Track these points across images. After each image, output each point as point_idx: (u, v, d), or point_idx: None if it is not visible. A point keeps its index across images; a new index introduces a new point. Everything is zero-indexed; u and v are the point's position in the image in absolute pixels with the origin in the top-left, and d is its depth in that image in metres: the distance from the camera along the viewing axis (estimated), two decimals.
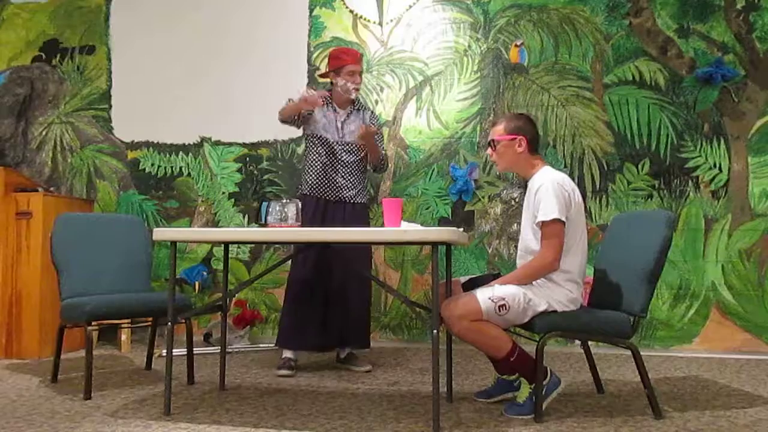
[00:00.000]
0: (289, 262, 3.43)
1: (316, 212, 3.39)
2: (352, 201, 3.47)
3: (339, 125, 3.46)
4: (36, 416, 2.49)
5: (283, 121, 3.45)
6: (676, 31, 4.19)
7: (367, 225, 3.61)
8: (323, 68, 4.21)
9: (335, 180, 3.44)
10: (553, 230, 2.48)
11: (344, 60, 3.44)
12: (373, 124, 3.50)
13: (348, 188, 3.46)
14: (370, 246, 3.58)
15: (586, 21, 4.28)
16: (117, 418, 2.46)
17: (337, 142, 3.44)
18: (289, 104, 3.39)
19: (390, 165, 4.41)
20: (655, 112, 4.18)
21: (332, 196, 3.44)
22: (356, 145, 3.46)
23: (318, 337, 3.39)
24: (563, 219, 2.47)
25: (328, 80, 3.56)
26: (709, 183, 4.09)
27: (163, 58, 4.73)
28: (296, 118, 3.42)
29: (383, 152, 3.57)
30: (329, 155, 3.44)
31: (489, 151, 2.74)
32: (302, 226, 2.66)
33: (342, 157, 3.44)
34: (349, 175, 3.47)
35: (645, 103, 4.19)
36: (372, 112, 3.66)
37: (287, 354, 3.41)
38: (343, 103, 3.50)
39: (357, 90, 3.45)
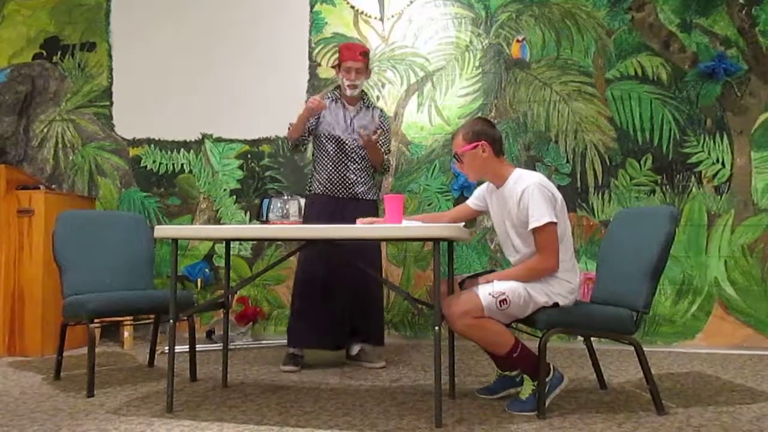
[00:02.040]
0: (291, 258, 3.41)
1: (325, 209, 3.33)
2: (363, 197, 3.44)
3: (348, 121, 3.43)
4: (39, 414, 2.49)
5: (295, 142, 3.41)
6: (678, 25, 4.17)
7: None
8: (328, 63, 4.25)
9: (347, 176, 3.41)
10: (548, 234, 2.46)
11: (343, 56, 3.41)
12: (382, 124, 3.48)
13: (359, 184, 3.43)
14: (380, 243, 3.55)
15: (587, 16, 4.26)
16: (120, 416, 2.46)
17: (348, 139, 3.41)
18: (294, 124, 3.36)
19: (392, 161, 4.40)
20: (658, 107, 4.16)
21: (344, 193, 3.41)
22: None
23: (330, 336, 3.35)
24: (555, 220, 2.46)
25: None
26: (712, 178, 4.08)
27: (164, 54, 4.72)
28: (306, 134, 3.40)
29: (386, 155, 3.53)
30: (339, 152, 3.41)
31: (457, 165, 2.70)
32: (309, 223, 2.64)
33: (352, 153, 3.41)
34: (360, 171, 3.44)
35: (647, 98, 4.17)
36: (381, 111, 3.62)
37: (293, 350, 3.39)
38: (350, 99, 3.46)
39: (352, 87, 3.39)
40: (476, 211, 2.86)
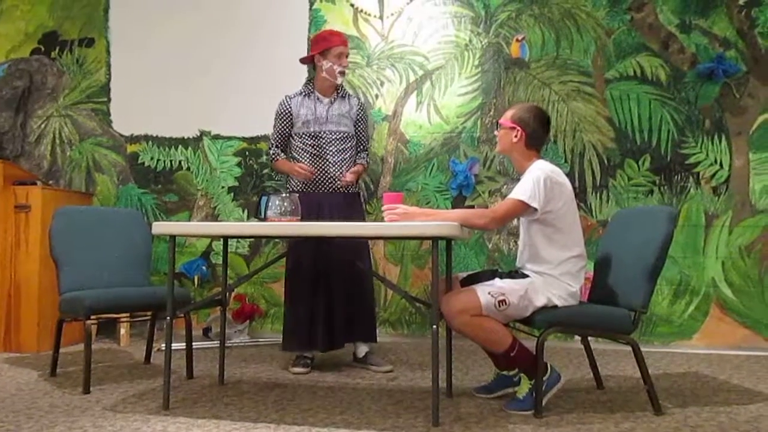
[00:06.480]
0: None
1: (310, 208, 3.18)
2: (346, 190, 3.38)
3: (323, 114, 3.35)
4: (35, 410, 2.48)
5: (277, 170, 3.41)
6: (678, 26, 4.17)
7: (363, 214, 3.53)
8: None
9: (327, 171, 3.33)
10: (510, 207, 2.50)
11: (332, 41, 3.32)
12: (360, 114, 3.46)
13: (340, 178, 3.35)
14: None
15: (587, 16, 4.26)
16: (116, 413, 2.45)
17: (324, 132, 3.33)
18: (284, 164, 3.38)
19: (390, 160, 4.40)
20: (657, 108, 4.16)
21: (326, 188, 3.34)
22: (344, 133, 3.37)
23: (325, 336, 3.24)
24: (530, 204, 2.46)
25: (310, 66, 3.46)
26: (710, 179, 4.08)
27: (163, 51, 4.71)
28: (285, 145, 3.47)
29: (365, 152, 3.52)
30: (317, 147, 3.33)
31: (496, 131, 2.76)
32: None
33: (330, 147, 3.33)
34: (341, 164, 3.35)
35: (646, 99, 4.17)
36: (358, 98, 3.53)
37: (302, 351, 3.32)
38: (327, 89, 3.38)
39: (343, 74, 3.35)
40: None
